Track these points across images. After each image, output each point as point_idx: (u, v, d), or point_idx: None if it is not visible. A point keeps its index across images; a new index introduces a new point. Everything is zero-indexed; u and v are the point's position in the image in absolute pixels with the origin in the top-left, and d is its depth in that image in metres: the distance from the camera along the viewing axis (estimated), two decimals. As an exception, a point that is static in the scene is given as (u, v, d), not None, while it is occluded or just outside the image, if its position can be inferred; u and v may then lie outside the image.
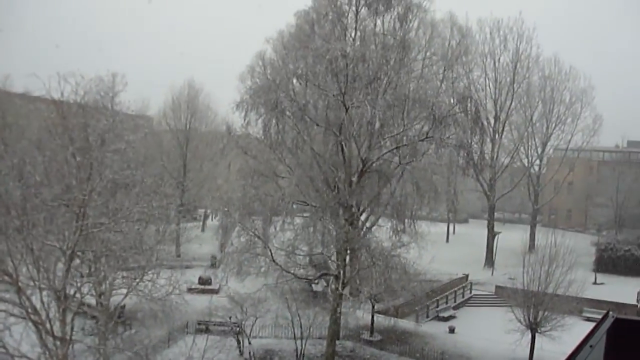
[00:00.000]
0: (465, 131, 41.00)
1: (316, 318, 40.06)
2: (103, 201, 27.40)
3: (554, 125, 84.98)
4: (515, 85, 79.34)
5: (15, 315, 25.10)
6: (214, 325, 41.40)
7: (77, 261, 27.30)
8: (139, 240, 28.07)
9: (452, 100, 42.39)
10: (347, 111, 36.01)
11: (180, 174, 70.92)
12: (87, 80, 27.76)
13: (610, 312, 7.18)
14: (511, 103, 79.36)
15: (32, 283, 25.14)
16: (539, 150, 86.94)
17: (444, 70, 51.37)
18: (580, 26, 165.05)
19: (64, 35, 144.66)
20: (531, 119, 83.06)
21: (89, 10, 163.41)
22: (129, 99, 38.89)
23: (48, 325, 25.19)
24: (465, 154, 42.87)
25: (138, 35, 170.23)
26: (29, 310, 24.90)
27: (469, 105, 41.87)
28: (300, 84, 39.99)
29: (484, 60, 78.87)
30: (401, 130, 38.06)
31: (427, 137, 38.14)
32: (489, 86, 78.92)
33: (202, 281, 50.94)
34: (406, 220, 45.09)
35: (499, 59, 79.81)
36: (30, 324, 25.14)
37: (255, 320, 39.20)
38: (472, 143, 44.75)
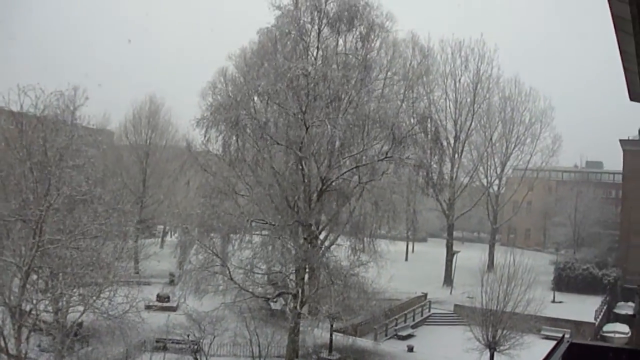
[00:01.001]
0: (424, 151, 41.49)
1: (274, 337, 39.78)
2: (60, 217, 27.18)
3: (513, 145, 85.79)
4: (475, 105, 79.99)
5: (-32, 332, 24.87)
6: (172, 343, 40.90)
7: (34, 277, 27.00)
8: (96, 257, 27.86)
9: (412, 120, 42.86)
10: (307, 130, 36.23)
11: (139, 190, 70.10)
12: (47, 94, 27.55)
13: (566, 337, 7.32)
14: (471, 123, 80.00)
15: (-14, 299, 24.91)
16: (498, 170, 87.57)
17: (405, 90, 51.95)
18: (541, 48, 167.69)
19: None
20: (491, 139, 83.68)
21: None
22: (90, 112, 38.61)
23: (2, 343, 24.92)
24: (425, 174, 43.20)
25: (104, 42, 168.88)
26: (-17, 327, 24.66)
27: (428, 125, 42.34)
28: (261, 101, 40.05)
29: (445, 80, 79.36)
30: (361, 149, 38.30)
31: (386, 157, 38.45)
32: (450, 106, 79.48)
33: (160, 298, 50.38)
34: (365, 239, 45.23)
35: (460, 79, 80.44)
36: (-16, 340, 24.90)
37: (214, 339, 38.80)
38: (432, 163, 45.14)
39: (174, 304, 47.31)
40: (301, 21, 41.57)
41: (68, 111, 31.81)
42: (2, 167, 26.98)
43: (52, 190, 26.09)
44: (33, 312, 26.84)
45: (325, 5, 41.75)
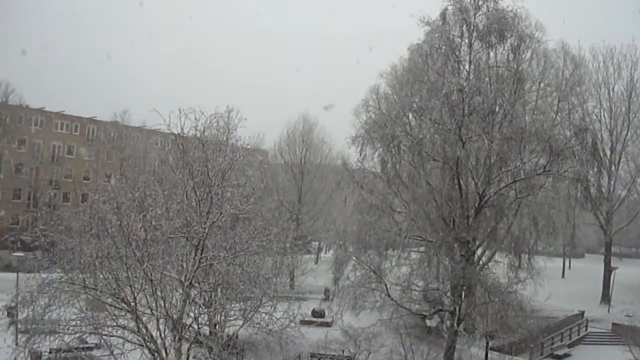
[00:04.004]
0: (582, 164, 40.00)
1: (430, 354, 39.55)
2: (222, 234, 28.00)
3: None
4: (631, 114, 76.47)
5: (132, 342, 26.05)
6: (328, 358, 41.40)
7: (194, 291, 27.93)
8: (256, 272, 28.43)
9: (568, 132, 41.53)
10: (463, 145, 35.82)
11: (295, 207, 72.15)
12: (207, 116, 28.38)
13: None
14: (627, 133, 76.48)
15: (149, 312, 25.98)
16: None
17: (559, 101, 50.57)
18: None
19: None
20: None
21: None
22: (247, 134, 39.71)
23: (164, 353, 25.90)
24: (583, 188, 41.84)
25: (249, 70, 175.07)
26: (146, 337, 25.73)
27: (585, 137, 40.87)
28: (415, 118, 40.07)
29: (598, 89, 76.66)
30: (518, 163, 37.45)
31: (544, 171, 37.43)
32: (604, 116, 76.68)
33: (315, 314, 51.22)
34: (523, 256, 44.24)
35: (614, 87, 77.31)
36: (146, 351, 25.98)
37: (369, 355, 38.97)
38: (589, 176, 43.66)
39: (329, 320, 47.92)
40: (451, 35, 41.29)
41: (225, 132, 32.66)
42: (165, 187, 27.98)
43: (214, 209, 26.76)
44: (193, 325, 27.77)
45: (475, 19, 41.27)
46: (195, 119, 27.54)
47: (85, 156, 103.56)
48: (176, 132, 27.76)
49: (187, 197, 27.15)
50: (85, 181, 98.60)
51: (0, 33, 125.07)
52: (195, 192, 26.69)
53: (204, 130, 28.47)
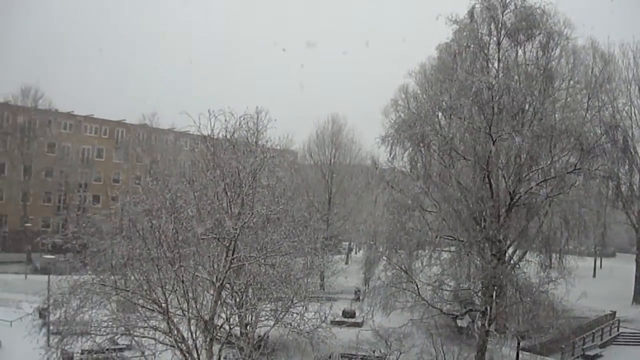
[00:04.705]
0: (613, 162, 39.59)
1: (461, 354, 39.32)
2: (253, 235, 27.99)
3: None
4: (661, 111, 75.46)
5: (163, 343, 26.11)
6: (359, 358, 41.30)
7: (226, 292, 27.94)
8: (287, 273, 28.42)
9: (598, 130, 41.12)
10: (494, 143, 35.58)
11: (325, 208, 72.09)
12: (237, 118, 28.36)
13: None
14: (659, 130, 75.48)
15: (180, 313, 26.05)
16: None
17: (589, 98, 49.96)
18: None
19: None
20: (680, 145, 78.70)
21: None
22: (276, 134, 39.77)
23: (195, 354, 25.96)
24: (614, 186, 41.43)
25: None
26: (177, 338, 25.78)
27: (616, 134, 40.45)
28: (445, 117, 39.87)
29: (628, 86, 75.58)
30: (549, 161, 37.14)
31: (575, 169, 37.09)
32: (635, 113, 75.52)
33: (346, 314, 51.09)
34: (554, 255, 43.80)
35: (644, 84, 76.32)
36: (177, 352, 26.05)
37: (399, 355, 38.85)
38: (620, 174, 43.19)
39: (360, 320, 47.75)
40: (479, 34, 41.19)
41: (255, 133, 32.63)
42: (196, 189, 28.01)
43: (246, 210, 26.73)
44: (225, 326, 27.79)
45: (503, 17, 41.14)
46: (225, 120, 27.57)
47: (114, 159, 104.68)
48: (206, 134, 27.74)
49: (218, 198, 27.13)
50: (115, 183, 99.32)
51: (29, 38, 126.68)
52: (226, 193, 26.68)
53: (234, 132, 28.49)
